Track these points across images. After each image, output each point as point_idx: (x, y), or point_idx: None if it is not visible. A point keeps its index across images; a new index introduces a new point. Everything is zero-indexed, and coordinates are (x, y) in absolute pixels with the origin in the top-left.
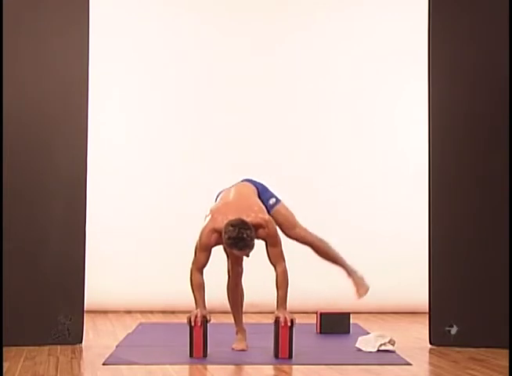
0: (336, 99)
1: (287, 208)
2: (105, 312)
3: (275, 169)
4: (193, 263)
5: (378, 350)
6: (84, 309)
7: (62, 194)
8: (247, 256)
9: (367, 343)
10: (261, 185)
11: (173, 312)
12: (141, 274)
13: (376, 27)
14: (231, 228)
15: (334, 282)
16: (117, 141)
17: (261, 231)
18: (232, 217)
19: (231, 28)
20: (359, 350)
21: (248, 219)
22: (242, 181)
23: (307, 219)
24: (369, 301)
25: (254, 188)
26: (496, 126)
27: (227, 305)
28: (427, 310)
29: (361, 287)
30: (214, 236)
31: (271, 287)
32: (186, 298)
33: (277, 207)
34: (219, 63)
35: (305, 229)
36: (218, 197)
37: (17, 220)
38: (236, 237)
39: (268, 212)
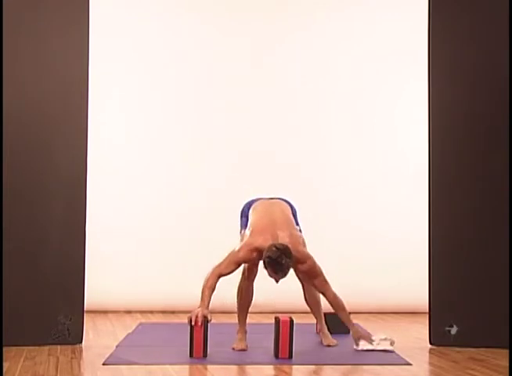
0: (336, 99)
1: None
2: (105, 312)
3: (275, 169)
4: (218, 267)
5: (378, 350)
6: (84, 309)
7: (62, 194)
8: (277, 282)
9: (367, 343)
10: (295, 210)
11: (173, 312)
12: (141, 274)
13: (376, 27)
14: (274, 249)
15: (334, 282)
16: (117, 141)
17: (299, 266)
18: (274, 239)
19: (231, 28)
20: (359, 350)
21: (290, 246)
22: (279, 199)
23: (307, 219)
24: (369, 301)
25: (290, 210)
26: (496, 126)
27: (227, 306)
28: (427, 310)
29: (327, 338)
30: (255, 254)
31: (271, 288)
32: (186, 298)
33: None
34: (219, 63)
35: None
36: (250, 206)
37: (17, 220)
38: (275, 260)
39: None
